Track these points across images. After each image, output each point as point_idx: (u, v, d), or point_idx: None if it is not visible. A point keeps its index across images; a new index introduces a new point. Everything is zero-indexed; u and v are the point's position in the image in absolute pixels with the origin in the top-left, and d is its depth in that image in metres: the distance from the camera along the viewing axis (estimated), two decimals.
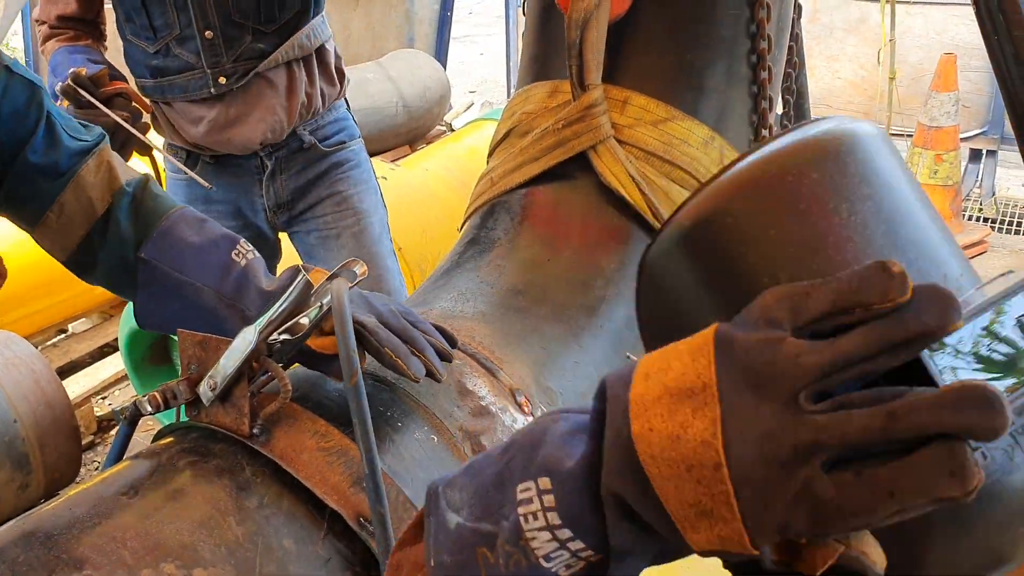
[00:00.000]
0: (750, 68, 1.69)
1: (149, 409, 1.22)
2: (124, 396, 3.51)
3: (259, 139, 2.12)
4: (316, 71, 2.14)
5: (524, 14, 1.92)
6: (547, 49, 1.77)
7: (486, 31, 6.93)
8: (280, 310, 1.14)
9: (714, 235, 0.79)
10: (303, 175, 2.21)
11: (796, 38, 1.91)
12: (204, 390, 1.17)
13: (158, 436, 1.29)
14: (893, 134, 5.09)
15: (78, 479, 2.91)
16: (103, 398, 3.52)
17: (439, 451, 1.28)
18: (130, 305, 2.90)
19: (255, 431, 1.16)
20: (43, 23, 2.14)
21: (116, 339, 3.73)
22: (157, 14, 2.01)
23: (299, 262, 2.10)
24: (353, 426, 1.10)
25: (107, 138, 1.38)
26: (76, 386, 3.21)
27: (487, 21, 6.81)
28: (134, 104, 1.88)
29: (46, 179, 1.29)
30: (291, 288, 1.14)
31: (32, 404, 2.68)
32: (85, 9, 2.10)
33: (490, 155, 1.86)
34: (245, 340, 1.13)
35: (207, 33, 2.00)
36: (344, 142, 2.25)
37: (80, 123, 1.38)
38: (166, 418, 3.25)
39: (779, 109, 1.94)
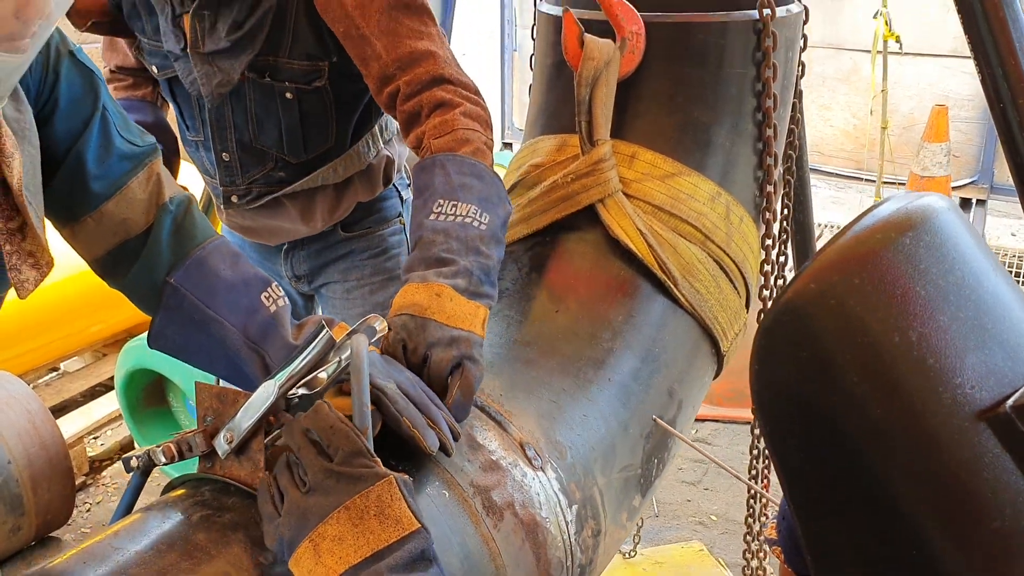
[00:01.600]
0: (755, 125, 1.72)
1: (163, 460, 1.22)
2: (117, 436, 3.49)
3: (276, 243, 2.08)
4: (346, 191, 2.00)
5: (531, 67, 1.95)
6: (555, 103, 1.80)
7: (481, 74, 7.00)
8: (300, 366, 1.15)
9: (845, 297, 0.83)
10: (320, 256, 2.10)
11: (799, 95, 1.95)
12: (220, 443, 1.17)
13: (169, 488, 1.29)
14: (886, 182, 5.15)
15: (69, 521, 2.89)
16: (95, 438, 3.50)
17: (451, 506, 1.29)
18: (127, 347, 2.89)
19: None
20: (104, 65, 2.08)
21: (109, 378, 3.71)
22: (188, 115, 1.94)
23: None
24: None
25: (159, 149, 1.37)
26: (69, 425, 3.19)
27: (481, 65, 6.89)
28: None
29: (95, 182, 1.28)
30: (313, 344, 1.15)
31: (26, 445, 2.66)
32: (141, 63, 2.01)
33: None
34: (265, 395, 1.14)
35: (224, 155, 1.91)
36: (371, 228, 2.09)
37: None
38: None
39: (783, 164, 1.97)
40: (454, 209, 1.44)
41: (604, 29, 1.64)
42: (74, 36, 1.43)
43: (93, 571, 1.09)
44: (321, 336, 1.15)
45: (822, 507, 0.95)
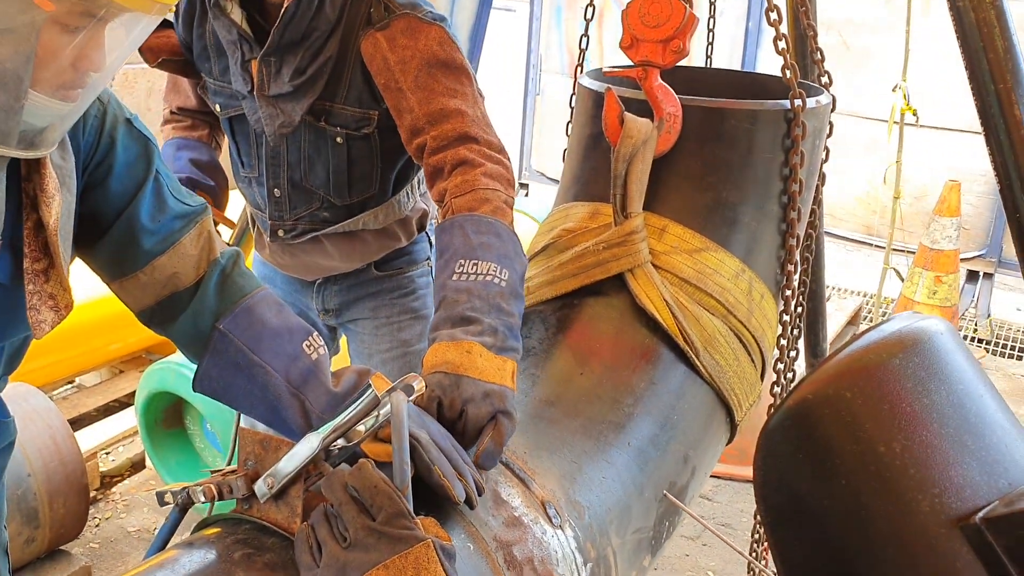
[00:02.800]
0: (780, 207, 1.79)
1: (202, 499, 1.28)
2: (128, 453, 3.54)
3: (311, 278, 2.17)
4: (384, 237, 2.09)
5: (567, 135, 2.03)
6: (590, 172, 1.88)
7: (503, 116, 7.12)
8: (345, 421, 1.22)
9: (838, 408, 0.94)
10: (351, 292, 2.19)
11: (822, 178, 2.03)
12: (261, 487, 1.23)
13: (201, 525, 1.34)
14: (895, 249, 5.23)
15: (80, 535, 2.94)
16: (107, 453, 3.55)
17: (474, 558, 1.35)
18: (150, 369, 2.95)
19: None
20: (165, 106, 2.18)
21: (125, 395, 3.77)
22: (244, 151, 2.03)
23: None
24: None
25: (209, 208, 1.44)
26: (83, 440, 3.23)
27: (504, 106, 7.00)
28: (223, 221, 1.94)
29: (148, 239, 1.34)
30: (359, 402, 1.21)
31: (46, 459, 2.72)
32: (203, 104, 2.11)
33: None
34: (309, 446, 1.20)
35: (275, 191, 2.00)
36: (402, 268, 2.18)
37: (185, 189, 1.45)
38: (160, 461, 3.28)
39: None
40: (475, 268, 1.50)
41: (643, 108, 1.73)
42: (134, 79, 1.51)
43: None
44: (367, 395, 1.22)
45: None
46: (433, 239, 2.22)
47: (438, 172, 1.69)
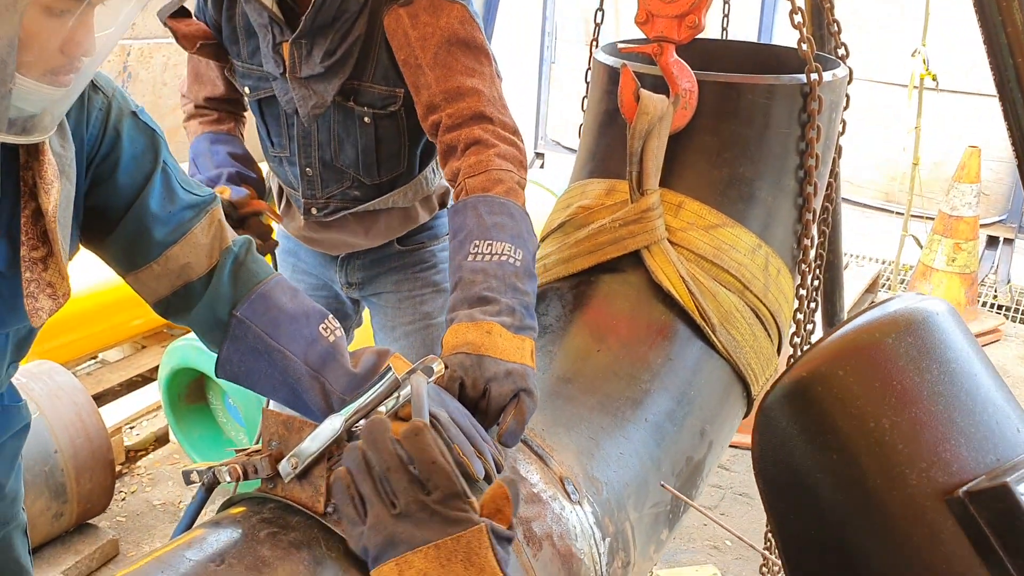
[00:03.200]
0: (797, 182, 1.79)
1: (227, 479, 1.30)
2: (152, 427, 3.59)
3: (335, 253, 2.20)
4: (409, 213, 2.13)
5: (583, 110, 2.03)
6: (606, 149, 1.88)
7: (518, 85, 7.09)
8: (367, 402, 1.24)
9: (831, 385, 0.98)
10: (374, 266, 2.22)
11: (838, 151, 2.02)
12: (285, 467, 1.25)
13: (226, 504, 1.37)
14: (914, 215, 5.20)
15: (106, 509, 2.99)
16: (131, 428, 3.60)
17: None
18: (172, 346, 2.99)
19: (328, 509, 1.25)
20: (188, 100, 2.16)
21: (148, 370, 3.82)
22: (275, 132, 2.05)
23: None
24: None
25: (218, 198, 1.45)
26: (107, 415, 3.28)
27: (519, 75, 6.97)
28: (266, 217, 1.93)
29: (160, 229, 1.35)
30: (380, 384, 1.24)
31: (72, 436, 2.76)
32: (232, 89, 2.11)
33: (542, 241, 1.96)
34: (332, 427, 1.22)
35: (307, 170, 2.03)
36: (423, 243, 2.22)
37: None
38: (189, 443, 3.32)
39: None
40: (489, 248, 1.52)
41: (658, 84, 1.72)
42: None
43: None
44: (388, 377, 1.24)
45: (810, 567, 1.06)
46: None
47: (451, 150, 1.70)
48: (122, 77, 4.40)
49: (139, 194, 1.34)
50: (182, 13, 1.96)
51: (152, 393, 3.55)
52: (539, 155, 7.14)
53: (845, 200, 5.87)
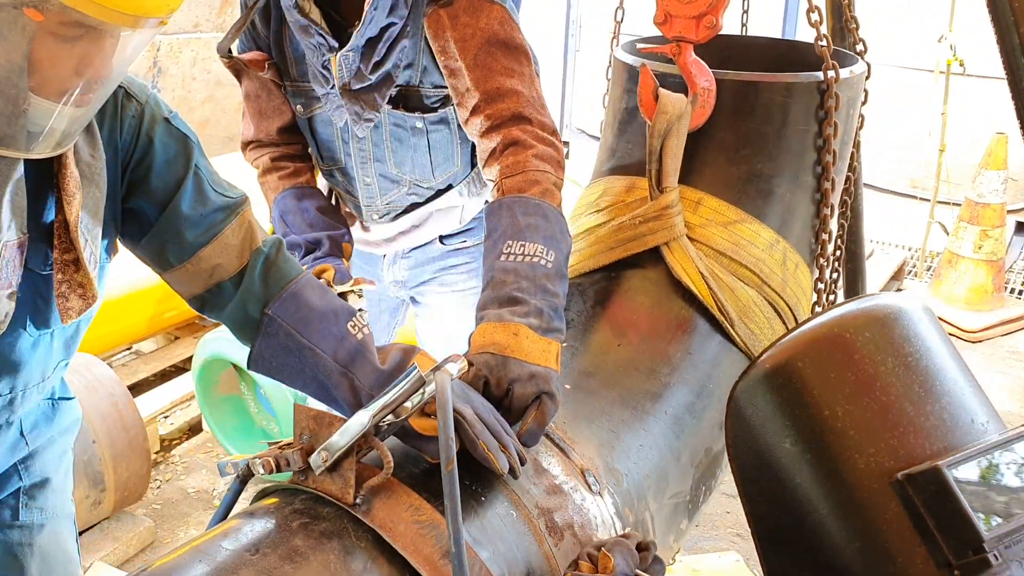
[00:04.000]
0: (815, 178, 1.82)
1: (261, 471, 1.36)
2: (185, 416, 3.68)
3: (383, 253, 2.25)
4: (471, 208, 2.15)
5: (604, 106, 2.07)
6: (626, 147, 1.91)
7: (543, 72, 7.13)
8: (393, 399, 1.29)
9: (790, 375, 1.07)
10: (420, 265, 2.24)
11: (857, 145, 2.04)
12: (316, 460, 1.31)
13: (260, 496, 1.42)
14: (941, 202, 5.18)
15: (142, 497, 3.08)
16: (165, 417, 3.69)
17: (517, 525, 1.42)
18: (205, 338, 3.06)
19: (357, 500, 1.30)
20: (257, 146, 2.11)
21: (181, 360, 3.91)
22: (325, 148, 2.05)
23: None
24: (444, 503, 1.25)
25: (248, 199, 1.50)
26: (142, 405, 3.35)
27: (544, 63, 7.00)
28: (356, 293, 1.94)
29: (192, 230, 1.41)
30: (405, 381, 1.28)
31: (109, 426, 2.84)
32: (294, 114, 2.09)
33: None
34: (360, 422, 1.27)
35: (366, 179, 2.05)
36: (465, 242, 2.22)
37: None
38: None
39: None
40: (522, 249, 1.56)
41: (677, 83, 1.75)
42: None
43: (203, 569, 1.23)
44: (413, 374, 1.29)
45: (779, 547, 1.17)
46: None
47: (491, 151, 1.74)
48: (152, 72, 4.46)
49: (172, 197, 1.39)
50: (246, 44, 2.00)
51: (185, 383, 3.63)
52: (565, 143, 7.15)
53: (871, 187, 5.87)
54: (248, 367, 1.54)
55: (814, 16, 1.76)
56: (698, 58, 1.74)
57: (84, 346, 3.26)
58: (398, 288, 2.32)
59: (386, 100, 1.89)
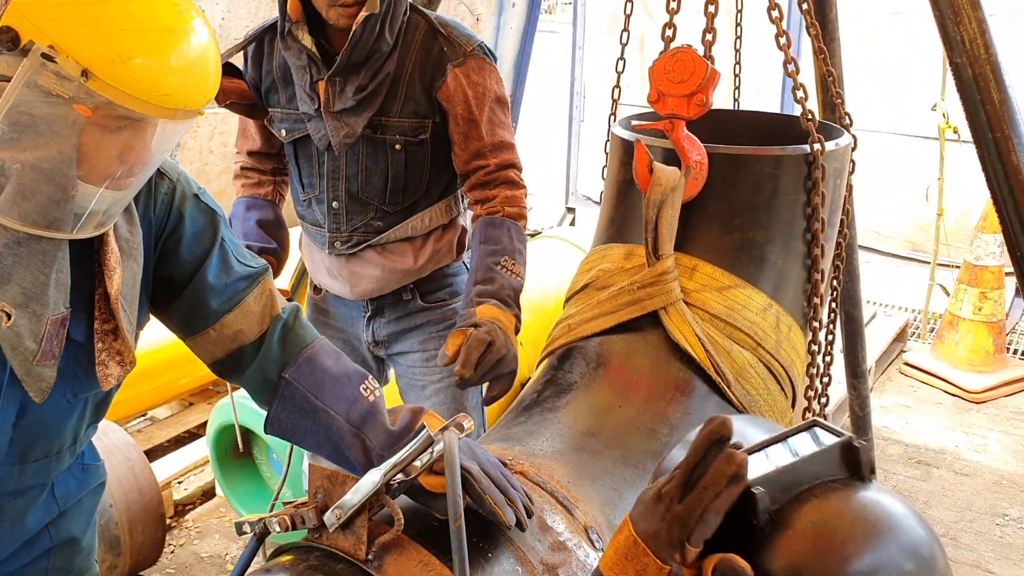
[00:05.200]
0: (805, 245, 1.90)
1: (277, 529, 1.42)
2: (200, 481, 3.73)
3: (355, 297, 2.34)
4: (430, 248, 2.28)
5: (603, 178, 2.17)
6: (625, 216, 2.01)
7: (548, 140, 7.29)
8: (403, 458, 1.36)
9: None
10: (399, 323, 2.35)
11: (847, 213, 2.13)
12: (330, 518, 1.37)
13: (276, 553, 1.49)
14: (942, 265, 5.26)
15: (157, 561, 3.12)
16: (179, 482, 3.74)
17: None
18: (220, 403, 3.13)
19: (369, 557, 1.36)
20: (237, 153, 2.44)
21: (195, 426, 3.97)
22: (306, 173, 2.26)
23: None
24: (452, 558, 1.31)
25: (270, 268, 1.61)
26: (157, 470, 3.40)
27: (549, 130, 7.15)
28: None
29: (217, 299, 1.50)
30: (415, 441, 1.36)
31: (126, 490, 2.90)
32: (268, 146, 2.37)
33: (567, 302, 2.08)
34: (372, 481, 1.34)
35: (334, 203, 2.22)
36: (445, 300, 2.35)
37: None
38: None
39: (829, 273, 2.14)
40: (513, 266, 2.03)
41: (671, 156, 1.85)
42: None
43: None
44: (421, 435, 1.36)
45: None
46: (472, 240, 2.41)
47: (487, 184, 2.12)
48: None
49: (199, 268, 1.49)
50: (228, 70, 2.23)
51: (199, 448, 3.69)
52: (570, 210, 7.27)
53: (873, 250, 5.96)
54: (265, 430, 1.61)
55: (799, 93, 1.87)
56: (690, 133, 1.84)
57: None
58: (379, 348, 2.42)
59: (364, 124, 2.12)
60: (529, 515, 1.48)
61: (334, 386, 1.54)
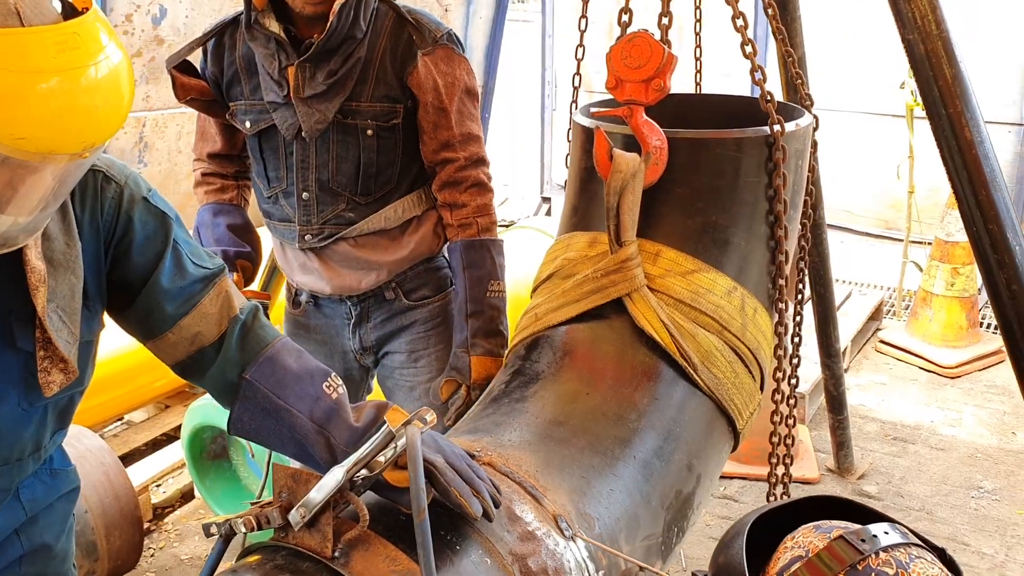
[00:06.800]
0: (768, 227, 1.91)
1: (243, 529, 1.41)
2: (178, 484, 3.71)
3: (328, 292, 2.31)
4: (406, 239, 2.24)
5: (566, 166, 2.16)
6: (587, 204, 2.00)
7: (520, 130, 7.28)
8: (365, 454, 1.35)
9: None
10: (387, 325, 2.32)
11: (811, 193, 2.14)
12: (295, 516, 1.37)
13: (244, 553, 1.48)
14: (913, 242, 5.29)
15: (136, 565, 3.10)
16: (158, 486, 3.72)
17: (492, 572, 1.47)
18: (194, 405, 3.11)
19: (336, 554, 1.36)
20: (196, 159, 2.39)
21: (172, 429, 3.94)
22: (272, 166, 2.22)
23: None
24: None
25: (226, 269, 1.59)
26: (134, 474, 3.38)
27: (522, 120, 7.13)
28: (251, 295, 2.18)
29: (172, 303, 1.49)
30: (375, 438, 1.35)
31: (101, 495, 2.88)
32: (229, 146, 2.34)
33: (533, 292, 2.08)
34: (335, 478, 1.34)
35: (304, 194, 2.18)
36: (429, 297, 2.31)
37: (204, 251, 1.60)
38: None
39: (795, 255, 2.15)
40: (499, 287, 2.09)
41: (631, 143, 1.85)
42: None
43: None
44: (382, 430, 1.36)
45: None
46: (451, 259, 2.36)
47: (456, 183, 2.14)
48: (138, 147, 4.57)
49: (152, 272, 1.47)
50: (188, 68, 2.22)
51: (177, 451, 3.66)
52: (545, 199, 7.27)
53: (846, 229, 5.98)
54: (228, 430, 1.60)
55: (757, 75, 1.86)
56: (649, 119, 1.83)
57: (76, 418, 3.32)
58: (367, 355, 2.39)
59: (336, 109, 2.10)
60: (496, 505, 1.47)
61: (296, 384, 1.53)
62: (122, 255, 1.46)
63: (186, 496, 3.71)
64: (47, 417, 1.47)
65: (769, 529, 1.31)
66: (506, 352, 1.96)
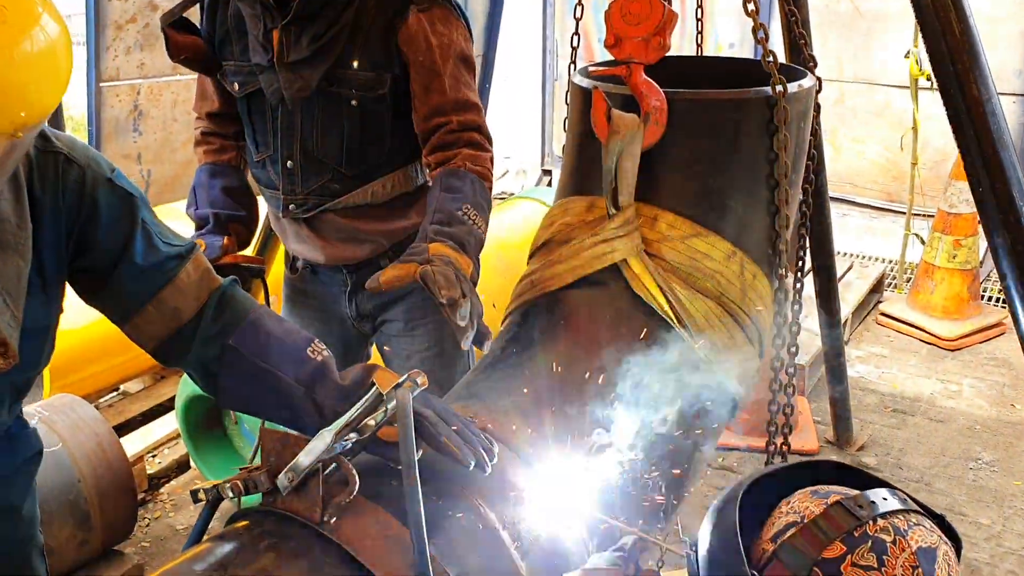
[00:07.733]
0: (769, 191, 1.86)
1: (230, 495, 1.39)
2: (174, 454, 3.69)
3: (323, 262, 2.27)
4: (398, 212, 2.20)
5: (564, 130, 2.12)
6: (585, 167, 1.95)
7: (522, 100, 7.20)
8: (354, 416, 1.32)
9: None
10: (383, 294, 2.19)
11: (812, 157, 2.09)
12: (283, 481, 1.34)
13: (232, 519, 1.45)
14: (916, 214, 5.24)
15: (131, 535, 3.09)
16: (153, 456, 3.70)
17: (484, 537, 1.45)
18: (186, 376, 3.10)
19: (325, 518, 1.33)
20: (197, 118, 2.33)
21: (167, 399, 3.92)
22: (260, 131, 2.17)
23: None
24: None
25: (197, 247, 1.57)
26: (130, 445, 3.38)
27: (523, 90, 7.05)
28: (245, 266, 2.10)
29: (147, 279, 1.47)
30: (364, 400, 1.32)
31: (94, 465, 2.86)
32: (227, 106, 2.26)
33: (530, 258, 2.04)
34: (323, 441, 1.31)
35: (288, 163, 2.13)
36: None
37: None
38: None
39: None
40: (476, 217, 1.93)
41: (630, 103, 1.80)
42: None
43: None
44: (371, 393, 1.33)
45: None
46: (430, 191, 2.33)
47: (448, 145, 2.01)
48: (133, 115, 4.52)
49: (123, 253, 1.45)
50: (183, 24, 2.13)
51: (172, 421, 3.65)
52: (547, 172, 7.21)
53: (849, 202, 5.93)
54: (218, 402, 1.58)
55: (760, 34, 1.82)
56: (648, 78, 1.79)
57: (71, 387, 3.30)
58: (364, 323, 2.35)
59: (320, 76, 2.02)
60: (490, 456, 1.44)
61: (279, 347, 1.51)
62: (89, 238, 1.44)
63: (181, 467, 3.69)
64: (6, 392, 1.45)
65: (767, 497, 1.28)
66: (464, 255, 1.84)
